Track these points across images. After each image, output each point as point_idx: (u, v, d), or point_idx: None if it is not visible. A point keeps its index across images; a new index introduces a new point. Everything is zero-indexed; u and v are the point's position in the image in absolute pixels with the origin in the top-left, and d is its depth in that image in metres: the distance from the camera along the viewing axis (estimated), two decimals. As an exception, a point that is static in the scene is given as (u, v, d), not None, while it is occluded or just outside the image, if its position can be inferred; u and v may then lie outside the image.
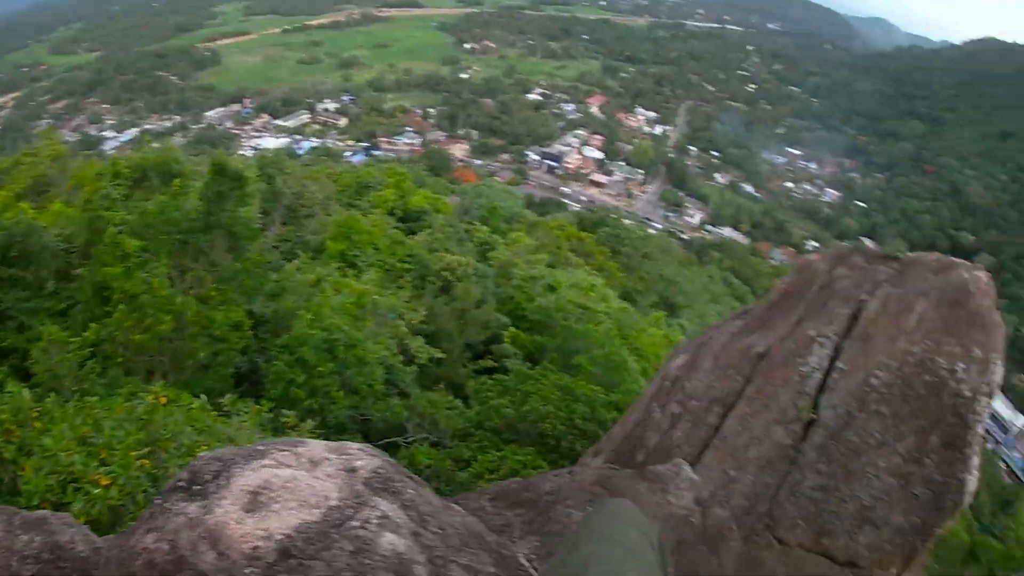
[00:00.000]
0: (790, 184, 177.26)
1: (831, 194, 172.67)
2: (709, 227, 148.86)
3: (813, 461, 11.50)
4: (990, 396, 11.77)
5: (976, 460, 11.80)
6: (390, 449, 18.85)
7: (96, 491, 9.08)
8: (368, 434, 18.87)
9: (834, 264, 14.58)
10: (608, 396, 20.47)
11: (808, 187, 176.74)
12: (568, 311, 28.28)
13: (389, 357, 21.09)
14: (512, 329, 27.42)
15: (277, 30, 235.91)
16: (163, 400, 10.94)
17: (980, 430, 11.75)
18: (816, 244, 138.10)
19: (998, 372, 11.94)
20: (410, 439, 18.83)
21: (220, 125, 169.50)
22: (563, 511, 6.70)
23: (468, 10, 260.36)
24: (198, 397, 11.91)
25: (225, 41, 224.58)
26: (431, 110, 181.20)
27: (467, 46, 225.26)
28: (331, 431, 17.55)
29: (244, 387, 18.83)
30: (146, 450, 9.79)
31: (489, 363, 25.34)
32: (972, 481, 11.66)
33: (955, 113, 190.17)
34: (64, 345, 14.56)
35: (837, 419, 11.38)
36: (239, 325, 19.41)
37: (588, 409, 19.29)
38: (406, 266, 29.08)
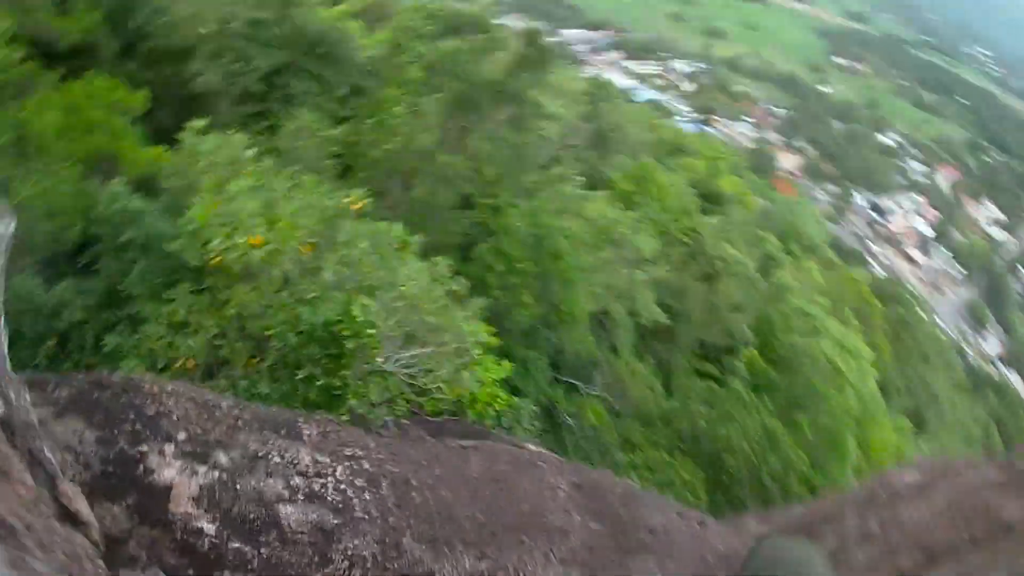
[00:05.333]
0: None
1: None
2: (999, 363, 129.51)
3: None
4: None
5: None
6: (569, 388, 17.74)
7: (240, 242, 9.33)
8: (555, 362, 17.89)
9: None
10: (809, 471, 18.13)
11: None
12: (818, 363, 25.16)
13: (607, 298, 19.65)
14: (753, 351, 24.90)
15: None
16: (357, 206, 10.75)
17: None
18: None
19: None
20: (591, 391, 17.67)
21: (573, 46, 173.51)
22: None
23: (850, 24, 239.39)
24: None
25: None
26: (777, 109, 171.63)
27: (837, 60, 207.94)
28: (507, 333, 16.66)
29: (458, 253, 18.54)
30: (313, 240, 9.73)
31: (712, 369, 23.36)
32: None
33: None
34: (313, 132, 15.11)
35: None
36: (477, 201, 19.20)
37: (782, 470, 17.30)
38: (684, 237, 27.21)
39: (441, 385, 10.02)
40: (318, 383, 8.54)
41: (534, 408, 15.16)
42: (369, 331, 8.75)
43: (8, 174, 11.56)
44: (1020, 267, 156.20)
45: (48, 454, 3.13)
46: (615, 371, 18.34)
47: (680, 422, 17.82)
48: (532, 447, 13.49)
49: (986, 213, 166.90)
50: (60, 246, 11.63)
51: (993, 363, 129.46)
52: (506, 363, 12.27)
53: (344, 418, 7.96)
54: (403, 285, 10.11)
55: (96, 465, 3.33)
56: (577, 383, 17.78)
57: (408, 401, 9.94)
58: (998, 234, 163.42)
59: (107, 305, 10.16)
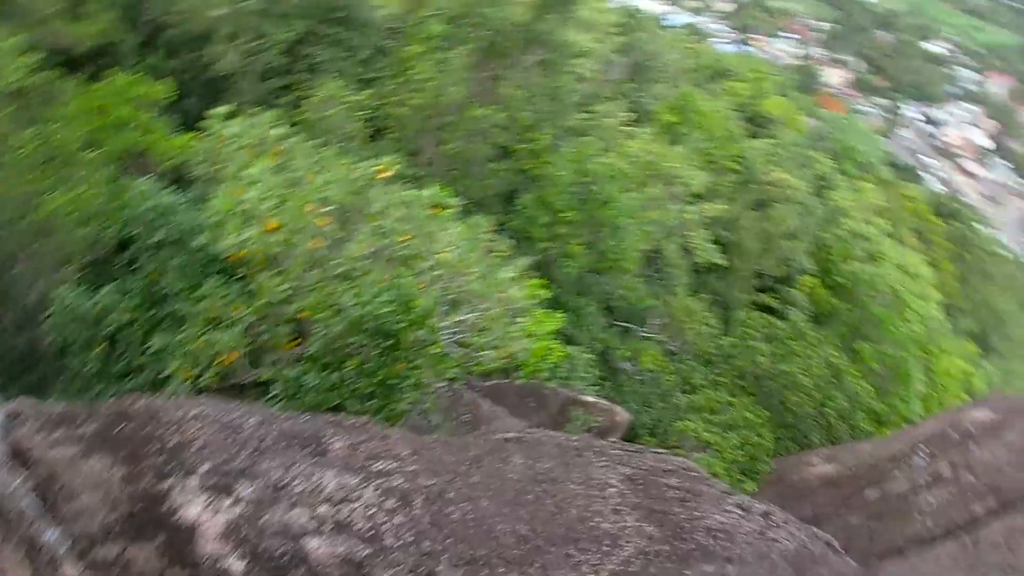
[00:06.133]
0: None
1: None
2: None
3: None
4: None
5: None
6: (623, 333, 17.33)
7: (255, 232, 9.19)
8: (608, 307, 17.47)
9: None
10: (876, 403, 17.58)
11: None
12: (879, 290, 24.25)
13: (658, 237, 19.06)
14: (812, 279, 24.07)
15: None
16: (387, 173, 10.35)
17: None
18: None
19: None
20: (648, 334, 17.24)
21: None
22: None
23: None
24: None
25: None
26: (819, 23, 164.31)
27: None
28: (557, 283, 16.26)
29: (500, 207, 18.11)
30: (331, 208, 9.42)
31: (771, 301, 22.65)
32: None
33: None
34: (340, 100, 14.76)
35: None
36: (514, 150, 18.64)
37: (848, 403, 16.75)
38: (733, 164, 26.21)
39: (490, 351, 9.84)
40: (371, 376, 8.24)
41: (589, 356, 14.83)
42: (428, 321, 8.45)
43: (40, 185, 11.48)
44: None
45: (50, 535, 2.95)
46: (670, 311, 17.82)
47: (740, 360, 17.25)
48: (588, 398, 13.21)
49: None
50: (99, 250, 11.56)
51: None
52: (558, 315, 11.94)
53: (399, 408, 7.76)
54: (440, 253, 9.80)
55: (124, 505, 3.10)
56: (632, 327, 17.37)
57: (459, 366, 9.76)
58: None
59: (150, 304, 9.97)
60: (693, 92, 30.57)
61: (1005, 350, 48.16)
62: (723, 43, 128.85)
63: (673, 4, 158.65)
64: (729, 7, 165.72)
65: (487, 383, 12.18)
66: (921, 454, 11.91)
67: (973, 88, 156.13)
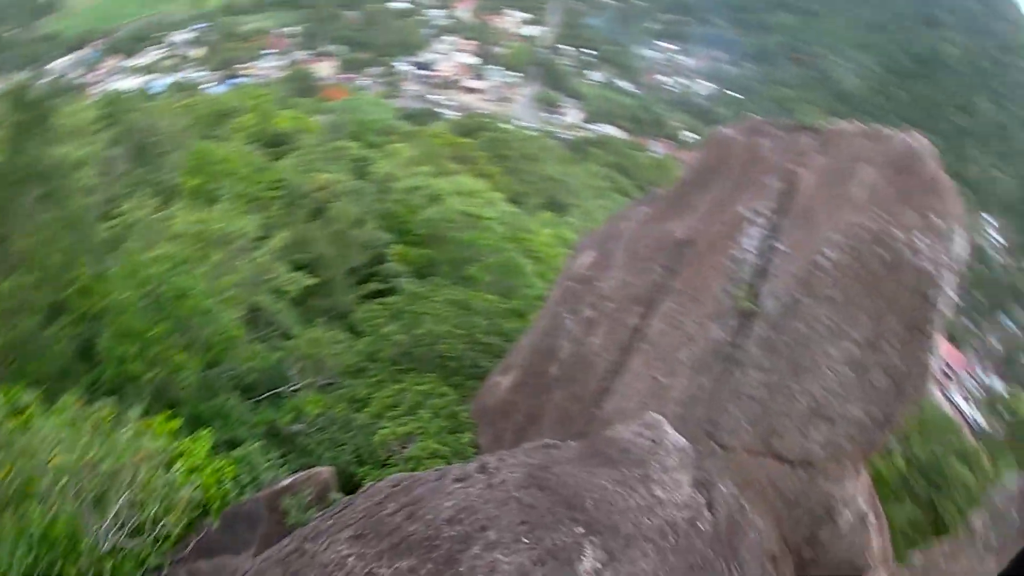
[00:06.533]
0: (664, 78, 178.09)
1: (705, 86, 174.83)
2: (587, 125, 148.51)
3: (756, 357, 10.15)
4: (955, 271, 9.79)
5: (938, 341, 10.56)
6: (275, 399, 16.53)
7: None
8: (246, 389, 16.42)
9: (750, 135, 12.82)
10: (508, 304, 19.13)
11: (682, 80, 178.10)
12: (455, 220, 26.43)
13: (246, 296, 18.38)
14: (398, 246, 25.28)
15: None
16: None
17: (945, 309, 10.40)
18: (693, 135, 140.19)
19: (961, 242, 10.08)
20: (296, 386, 16.63)
21: (67, 75, 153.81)
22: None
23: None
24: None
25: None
26: (293, 29, 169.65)
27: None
28: (182, 403, 14.88)
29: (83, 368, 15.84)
30: None
31: (376, 286, 23.27)
32: (934, 363, 10.55)
33: (827, 5, 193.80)
34: None
35: (781, 308, 10.06)
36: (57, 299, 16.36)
37: (488, 321, 17.89)
38: (274, 193, 26.05)
39: (165, 516, 8.71)
40: None
41: (258, 444, 13.89)
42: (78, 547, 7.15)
43: None
44: (557, 45, 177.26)
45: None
46: (299, 352, 17.34)
47: (384, 351, 17.53)
48: (285, 481, 12.44)
49: (512, 20, 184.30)
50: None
51: (582, 127, 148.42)
52: (203, 432, 10.97)
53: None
54: (51, 460, 8.34)
55: None
56: (278, 389, 16.59)
57: (147, 555, 8.58)
58: (530, 31, 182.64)
59: None
60: (205, 146, 29.52)
61: (572, 200, 56.27)
62: (214, 86, 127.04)
63: (148, 72, 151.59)
64: (201, 51, 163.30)
65: (188, 550, 10.82)
66: (566, 315, 13.20)
67: (446, 22, 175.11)
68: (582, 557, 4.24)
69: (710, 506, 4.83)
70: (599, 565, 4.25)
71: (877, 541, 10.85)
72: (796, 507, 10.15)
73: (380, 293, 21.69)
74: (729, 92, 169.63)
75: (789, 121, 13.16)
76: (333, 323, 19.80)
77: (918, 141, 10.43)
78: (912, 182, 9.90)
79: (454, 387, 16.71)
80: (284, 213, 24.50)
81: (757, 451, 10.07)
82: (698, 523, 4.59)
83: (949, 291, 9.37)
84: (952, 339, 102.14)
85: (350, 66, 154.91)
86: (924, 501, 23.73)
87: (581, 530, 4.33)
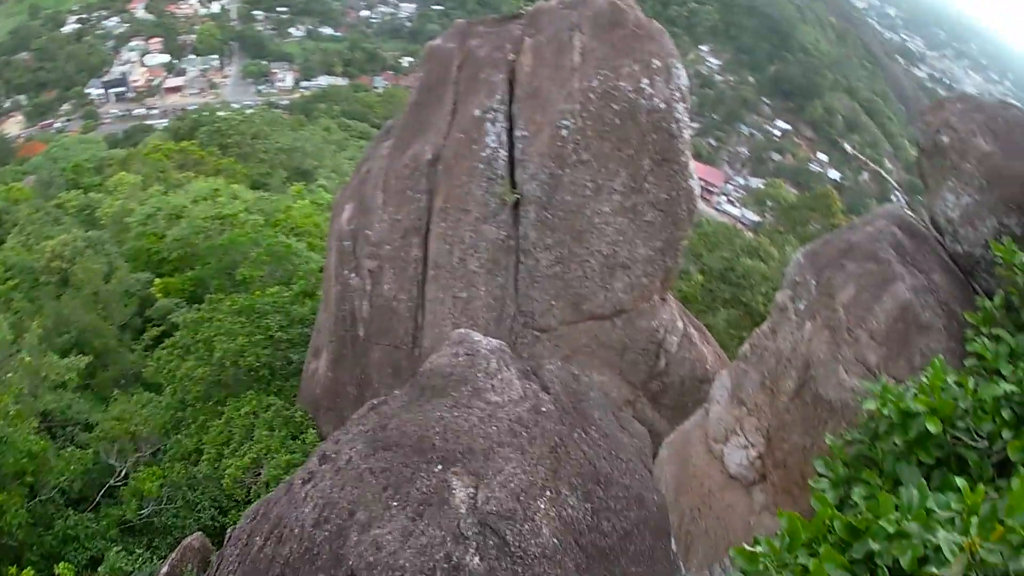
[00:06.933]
0: (367, 12, 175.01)
1: (407, 8, 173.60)
2: (304, 83, 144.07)
3: (537, 240, 10.52)
4: (684, 100, 10.60)
5: (692, 164, 11.55)
6: (110, 496, 14.86)
7: None
8: (79, 501, 14.60)
9: (462, 39, 12.87)
10: (291, 290, 18.36)
11: (385, 8, 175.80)
12: (206, 229, 24.68)
13: (29, 405, 16.09)
14: (157, 280, 23.31)
15: None
16: None
17: (687, 135, 11.34)
18: (411, 59, 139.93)
19: (682, 75, 10.89)
20: (123, 471, 15.03)
21: None
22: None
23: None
24: None
25: None
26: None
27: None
28: (31, 551, 13.07)
29: None
30: None
31: (155, 331, 21.46)
32: (696, 184, 11.50)
33: None
34: None
35: (542, 187, 10.40)
36: None
37: (280, 315, 17.08)
38: (9, 284, 22.82)
39: None
40: None
41: (117, 549, 12.65)
42: None
43: None
44: (251, 12, 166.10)
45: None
46: (108, 438, 15.60)
47: (190, 392, 16.37)
48: (164, 569, 11.41)
49: (192, 2, 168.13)
50: None
51: (300, 87, 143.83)
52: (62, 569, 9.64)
53: None
54: None
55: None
56: (107, 483, 14.85)
57: None
58: (215, 7, 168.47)
59: None
60: None
61: (316, 163, 55.96)
62: None
63: None
64: None
65: None
66: (349, 274, 12.70)
67: (125, 28, 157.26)
68: (452, 490, 4.24)
69: (544, 388, 4.99)
70: (472, 489, 4.26)
71: (707, 349, 11.97)
72: (627, 351, 10.90)
73: (162, 336, 19.91)
74: (434, 7, 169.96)
75: (494, 15, 13.42)
76: (129, 389, 18.13)
77: (615, -6, 10.99)
78: (622, 34, 10.49)
79: (276, 393, 16.05)
80: (28, 300, 21.68)
81: (573, 320, 10.58)
82: (541, 408, 4.72)
83: (685, 119, 10.15)
84: (704, 159, 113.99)
85: (39, 113, 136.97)
86: (733, 302, 26.55)
87: (439, 467, 4.32)
